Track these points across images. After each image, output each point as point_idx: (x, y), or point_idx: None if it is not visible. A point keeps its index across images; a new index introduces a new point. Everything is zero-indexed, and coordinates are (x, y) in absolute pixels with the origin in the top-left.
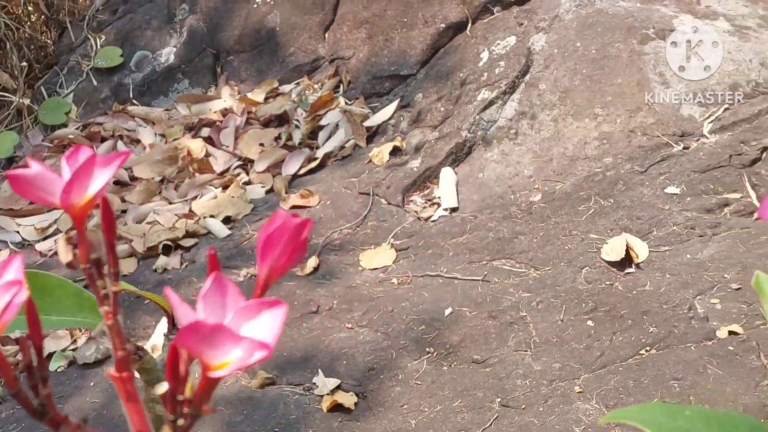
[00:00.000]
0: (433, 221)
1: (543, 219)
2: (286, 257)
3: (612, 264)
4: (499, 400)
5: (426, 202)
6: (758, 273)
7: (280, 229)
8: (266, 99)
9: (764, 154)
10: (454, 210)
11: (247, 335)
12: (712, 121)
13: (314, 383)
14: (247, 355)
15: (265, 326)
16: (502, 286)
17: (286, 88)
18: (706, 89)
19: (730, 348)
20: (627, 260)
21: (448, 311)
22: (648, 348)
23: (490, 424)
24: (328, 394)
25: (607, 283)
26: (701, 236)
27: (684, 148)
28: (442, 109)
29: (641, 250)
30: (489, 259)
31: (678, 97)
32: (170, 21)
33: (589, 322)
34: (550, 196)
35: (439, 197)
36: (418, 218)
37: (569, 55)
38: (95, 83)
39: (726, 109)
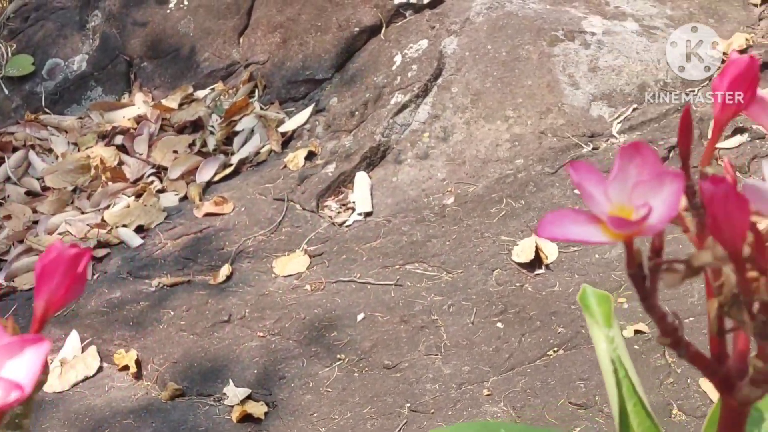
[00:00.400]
0: (347, 226)
1: (456, 222)
2: (63, 290)
3: (522, 265)
4: (408, 405)
5: (341, 207)
6: (585, 286)
7: (56, 260)
8: (180, 105)
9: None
10: (368, 215)
11: (4, 375)
12: (621, 122)
13: (224, 393)
14: (3, 394)
15: (24, 365)
16: (415, 290)
17: (200, 93)
18: (615, 90)
19: (636, 347)
20: (537, 261)
21: (360, 317)
22: (556, 349)
23: (399, 430)
24: (238, 404)
25: (518, 284)
26: None
27: (593, 148)
28: (357, 113)
29: (551, 251)
30: (402, 263)
31: (587, 98)
32: (82, 28)
33: (499, 324)
34: (463, 198)
35: (353, 202)
36: (333, 223)
37: (480, 58)
38: (6, 92)
39: (635, 109)
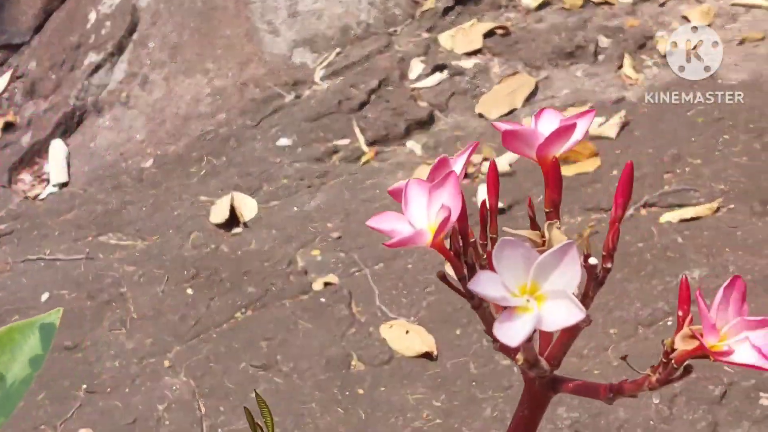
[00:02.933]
0: (41, 199)
1: (154, 185)
2: None
3: (220, 226)
4: (85, 386)
5: (35, 180)
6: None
7: None
8: None
9: (372, 97)
10: (64, 185)
11: None
12: (324, 67)
13: None
14: None
15: None
16: (107, 262)
17: None
18: (317, 34)
19: (323, 300)
20: (234, 220)
21: (45, 297)
22: (244, 310)
23: (71, 415)
24: None
25: (213, 246)
26: (309, 187)
27: (296, 97)
28: (54, 77)
29: (250, 208)
30: (96, 234)
31: (289, 45)
32: None
33: (189, 290)
34: (162, 159)
35: (48, 173)
36: (26, 197)
37: (176, 9)
38: None
39: (338, 54)
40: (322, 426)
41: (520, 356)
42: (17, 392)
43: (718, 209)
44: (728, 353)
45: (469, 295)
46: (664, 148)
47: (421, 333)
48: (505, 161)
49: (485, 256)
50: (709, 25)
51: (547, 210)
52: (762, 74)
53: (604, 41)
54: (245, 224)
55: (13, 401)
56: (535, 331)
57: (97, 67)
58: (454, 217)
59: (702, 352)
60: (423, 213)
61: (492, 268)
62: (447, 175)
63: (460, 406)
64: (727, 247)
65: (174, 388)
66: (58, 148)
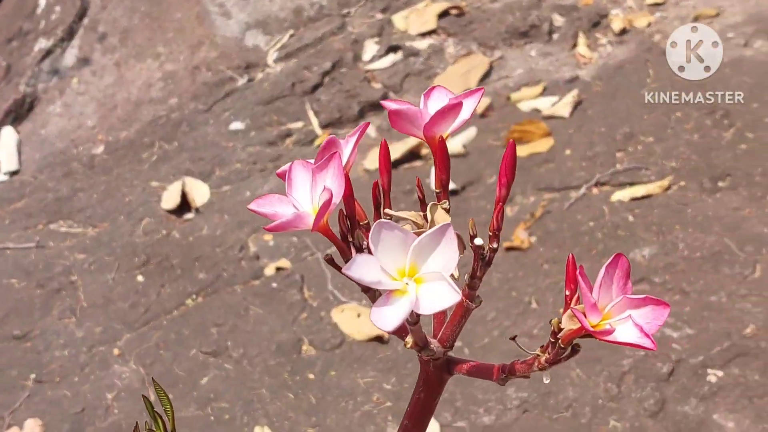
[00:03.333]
0: None
1: (105, 172)
2: None
3: (171, 212)
4: (34, 376)
5: None
6: None
7: None
8: None
9: (325, 79)
10: (15, 173)
11: None
12: (277, 50)
13: None
14: None
15: None
16: (57, 250)
17: None
18: (269, 16)
19: (275, 285)
20: (186, 206)
21: None
22: (195, 296)
23: (20, 405)
24: None
25: (164, 232)
26: (263, 171)
27: (249, 80)
28: (4, 64)
29: (202, 193)
30: (46, 222)
31: (241, 28)
32: None
33: (140, 277)
34: (114, 146)
35: (0, 161)
36: None
37: None
38: None
39: (291, 36)
40: (272, 411)
41: (409, 339)
42: None
43: (669, 187)
44: (609, 332)
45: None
46: (617, 126)
47: None
48: (458, 142)
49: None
50: (662, 3)
51: (437, 190)
52: None
53: (558, 20)
54: (197, 210)
55: None
56: (420, 314)
57: (47, 53)
58: (336, 199)
59: (585, 332)
60: (307, 195)
61: None
62: (330, 156)
63: (411, 389)
64: (677, 224)
65: (123, 376)
66: (8, 136)
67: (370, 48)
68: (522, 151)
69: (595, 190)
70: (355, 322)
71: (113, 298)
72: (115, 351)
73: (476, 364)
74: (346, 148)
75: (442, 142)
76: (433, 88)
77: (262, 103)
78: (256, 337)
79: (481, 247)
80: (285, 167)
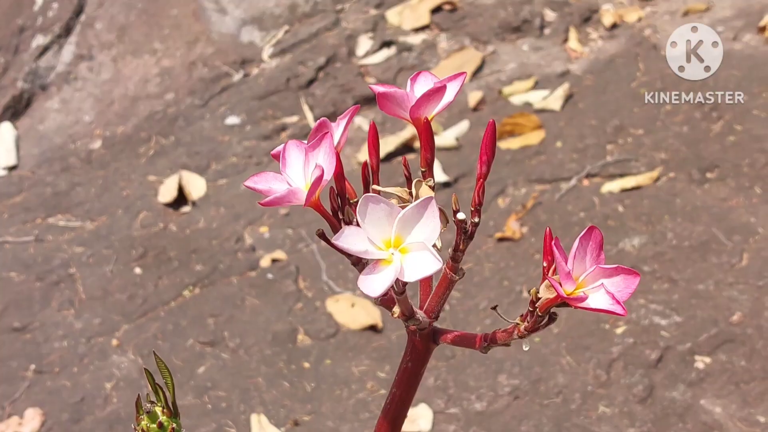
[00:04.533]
0: None
1: (103, 166)
2: None
3: (168, 205)
4: (33, 366)
5: None
6: None
7: None
8: None
9: (320, 74)
10: (13, 168)
11: None
12: (272, 45)
13: None
14: None
15: None
16: (56, 243)
17: None
18: (265, 12)
19: (270, 276)
20: (183, 199)
21: None
22: (192, 287)
23: (20, 395)
24: None
25: (161, 225)
26: (258, 164)
27: (245, 75)
28: (2, 60)
29: (198, 187)
30: (44, 216)
31: (236, 24)
32: None
33: (137, 270)
34: (111, 141)
35: None
36: None
37: None
38: None
39: (286, 32)
40: (268, 400)
41: (396, 309)
42: None
43: (658, 178)
44: (582, 299)
45: (347, 252)
46: (607, 119)
47: (367, 306)
48: (451, 135)
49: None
50: None
51: (422, 169)
52: None
53: (550, 15)
54: (193, 203)
55: None
56: (405, 284)
57: (45, 50)
58: (327, 176)
59: (561, 300)
60: (300, 173)
61: None
62: (323, 136)
63: None
64: (666, 214)
65: (122, 366)
66: (6, 131)
67: (364, 43)
68: (514, 143)
69: (585, 182)
70: (350, 312)
71: (111, 290)
72: (114, 342)
73: (460, 334)
74: (338, 129)
75: (427, 123)
76: (419, 73)
77: (257, 98)
78: (253, 327)
79: (463, 221)
80: (279, 148)
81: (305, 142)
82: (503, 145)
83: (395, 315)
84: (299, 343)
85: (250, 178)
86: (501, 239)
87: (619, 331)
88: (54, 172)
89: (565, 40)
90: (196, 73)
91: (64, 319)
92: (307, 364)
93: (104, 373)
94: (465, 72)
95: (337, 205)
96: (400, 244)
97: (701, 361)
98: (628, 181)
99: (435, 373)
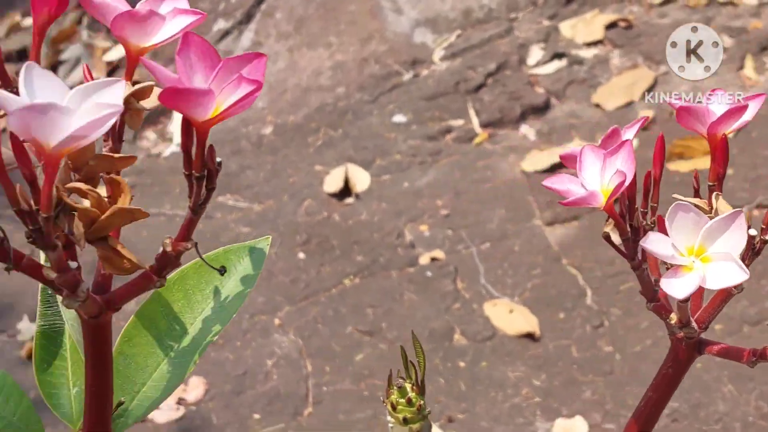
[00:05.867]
0: (164, 158)
1: (272, 152)
2: None
3: (333, 195)
4: None
5: (159, 138)
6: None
7: None
8: (8, 34)
9: (489, 80)
10: None
11: None
12: (444, 48)
13: (18, 329)
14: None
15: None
16: (224, 221)
17: (28, 21)
18: (439, 15)
19: (429, 274)
20: (347, 191)
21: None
22: (352, 277)
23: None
24: (29, 341)
25: (325, 214)
26: (422, 164)
27: (414, 75)
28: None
29: (362, 180)
30: (215, 194)
31: (411, 24)
32: None
33: (301, 255)
34: (282, 128)
35: (172, 133)
36: (149, 155)
37: None
38: None
39: (459, 36)
40: None
41: (674, 315)
42: (232, 305)
43: None
44: None
45: (631, 256)
46: None
47: (525, 313)
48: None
49: (651, 221)
50: None
51: (711, 183)
52: None
53: (726, 41)
54: (357, 195)
55: (229, 312)
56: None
57: (226, 34)
58: (628, 181)
59: None
60: (596, 177)
61: (662, 231)
62: (622, 143)
63: (560, 387)
64: None
65: (282, 345)
66: None
67: (536, 53)
68: (683, 165)
69: (756, 212)
70: (508, 317)
71: (275, 271)
72: (276, 321)
73: (727, 347)
74: (627, 135)
75: (724, 139)
76: (715, 90)
77: (425, 99)
78: (410, 321)
79: (753, 237)
80: (570, 150)
81: (597, 146)
82: (671, 166)
83: (673, 321)
84: (455, 342)
85: (548, 179)
86: None
87: None
88: (225, 154)
89: (741, 67)
90: (368, 69)
91: None
92: (462, 364)
93: (266, 350)
94: (764, 94)
95: (626, 210)
96: (702, 252)
97: None
98: None
99: (592, 387)
